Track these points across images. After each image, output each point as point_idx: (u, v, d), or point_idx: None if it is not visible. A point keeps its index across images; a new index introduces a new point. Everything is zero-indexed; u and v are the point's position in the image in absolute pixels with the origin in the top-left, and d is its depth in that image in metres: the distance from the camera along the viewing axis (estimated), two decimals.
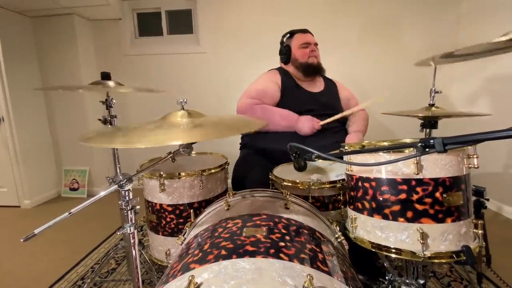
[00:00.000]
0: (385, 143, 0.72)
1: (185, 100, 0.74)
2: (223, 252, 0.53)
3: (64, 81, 2.48)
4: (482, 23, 2.11)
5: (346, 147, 0.77)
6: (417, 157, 0.62)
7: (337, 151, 0.74)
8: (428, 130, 1.02)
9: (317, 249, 0.59)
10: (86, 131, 2.55)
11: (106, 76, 1.03)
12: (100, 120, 1.07)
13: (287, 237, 0.59)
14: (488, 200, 1.34)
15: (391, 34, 2.40)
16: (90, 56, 2.61)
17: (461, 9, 2.31)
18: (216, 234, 0.63)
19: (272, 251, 0.52)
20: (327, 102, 1.44)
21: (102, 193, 0.68)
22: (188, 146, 0.79)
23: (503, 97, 1.90)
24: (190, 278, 0.44)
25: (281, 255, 0.51)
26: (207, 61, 2.63)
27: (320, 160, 1.22)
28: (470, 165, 0.66)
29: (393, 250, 0.67)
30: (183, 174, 1.06)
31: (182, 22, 2.73)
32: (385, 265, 0.82)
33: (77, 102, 2.56)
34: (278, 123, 1.31)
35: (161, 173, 1.05)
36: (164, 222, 1.09)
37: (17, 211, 2.37)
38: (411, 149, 0.62)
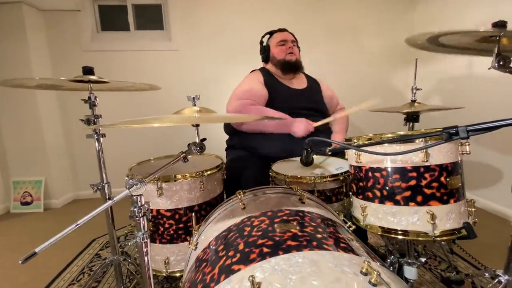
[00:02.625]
0: (389, 135, 0.77)
1: (198, 96, 0.70)
2: (265, 249, 0.52)
3: (11, 77, 2.14)
4: (434, 27, 2.39)
5: (355, 140, 0.81)
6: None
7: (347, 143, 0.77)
8: (411, 124, 1.13)
9: (346, 238, 0.61)
10: (40, 137, 2.27)
11: (89, 71, 0.92)
12: (82, 120, 0.95)
13: (320, 229, 0.60)
14: None
15: (354, 35, 2.59)
16: (42, 51, 2.30)
17: (414, 14, 2.59)
18: (246, 233, 0.61)
19: (314, 243, 0.53)
20: (311, 99, 1.49)
21: (115, 199, 0.61)
22: (201, 145, 0.75)
23: (474, 91, 2.05)
24: (251, 278, 0.42)
25: (325, 246, 0.52)
26: (180, 58, 2.52)
27: (316, 157, 1.27)
28: (463, 152, 0.75)
29: (400, 233, 0.73)
30: (181, 176, 1.00)
31: (151, 17, 2.57)
32: (389, 248, 0.88)
33: (27, 103, 2.23)
34: (272, 124, 1.32)
35: (158, 176, 0.98)
36: (162, 229, 1.01)
37: None
38: (421, 139, 0.68)
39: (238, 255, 0.54)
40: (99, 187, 1.01)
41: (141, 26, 2.58)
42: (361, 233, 1.15)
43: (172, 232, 1.02)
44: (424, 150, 0.68)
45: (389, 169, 0.74)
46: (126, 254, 1.17)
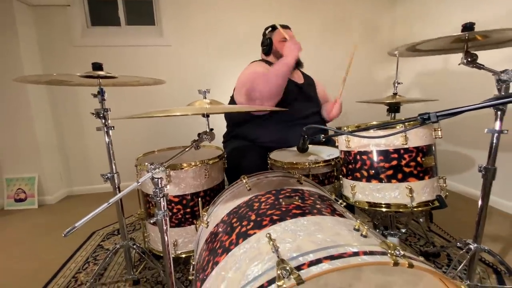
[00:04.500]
0: (374, 122, 0.89)
1: (208, 90, 0.78)
2: (275, 217, 0.62)
3: (2, 75, 2.12)
4: (414, 25, 2.55)
5: (344, 128, 0.92)
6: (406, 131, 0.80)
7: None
8: (393, 114, 1.26)
9: (340, 209, 0.72)
10: (32, 134, 2.25)
11: (98, 67, 0.98)
12: (93, 113, 1.01)
13: (318, 202, 0.71)
14: None
15: (343, 32, 2.72)
16: (32, 47, 2.27)
17: (396, 13, 2.74)
18: (255, 207, 0.71)
19: (315, 211, 0.64)
20: (309, 93, 1.59)
21: (140, 180, 0.68)
22: (211, 134, 0.83)
23: (447, 85, 2.24)
24: (268, 235, 0.52)
25: (324, 212, 0.63)
26: (172, 54, 2.55)
27: (310, 146, 1.39)
28: (436, 136, 0.88)
29: (384, 206, 0.86)
30: (187, 164, 1.08)
31: (142, 12, 2.58)
32: (374, 222, 1.01)
33: (18, 98, 2.21)
34: (277, 73, 1.31)
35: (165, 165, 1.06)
36: (170, 214, 1.10)
37: None
38: (401, 125, 0.80)
39: (252, 223, 0.64)
40: (109, 176, 1.08)
41: (132, 21, 2.58)
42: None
43: (180, 216, 1.10)
44: (404, 134, 0.81)
45: (374, 152, 0.85)
46: (133, 240, 1.24)
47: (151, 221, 0.77)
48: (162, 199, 0.75)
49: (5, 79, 2.14)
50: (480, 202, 0.98)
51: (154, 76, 2.56)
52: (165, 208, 0.76)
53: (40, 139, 2.33)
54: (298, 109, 1.42)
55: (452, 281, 0.45)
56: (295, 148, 1.36)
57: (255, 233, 0.59)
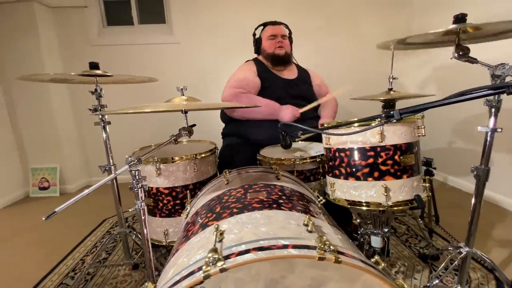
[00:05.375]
0: (355, 119, 0.88)
1: (185, 87, 0.82)
2: (235, 210, 0.65)
3: (25, 73, 2.31)
4: (433, 15, 2.41)
5: (325, 124, 0.92)
6: (382, 128, 0.79)
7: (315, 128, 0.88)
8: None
9: (307, 205, 0.73)
10: (54, 127, 2.45)
11: (95, 66, 1.05)
12: (90, 109, 1.09)
13: (284, 197, 0.73)
14: (435, 168, 1.62)
15: (352, 25, 2.63)
16: (53, 46, 2.45)
17: (413, 6, 2.60)
18: (224, 200, 0.74)
19: (274, 205, 0.65)
20: (301, 88, 1.59)
21: (117, 172, 0.74)
22: (189, 130, 0.87)
23: (444, 80, 2.25)
24: (216, 226, 0.55)
25: (282, 207, 0.64)
26: (181, 51, 2.63)
27: (301, 142, 1.39)
28: (419, 134, 0.85)
29: (364, 204, 0.85)
30: (177, 158, 1.14)
31: (153, 11, 2.68)
32: (358, 221, 1.00)
33: (41, 95, 2.40)
34: (261, 110, 1.43)
35: (156, 158, 1.12)
36: (161, 205, 1.16)
37: None
38: (378, 121, 0.78)
39: (214, 215, 0.67)
40: (107, 168, 1.16)
41: (144, 20, 2.69)
42: (346, 213, 1.25)
43: (170, 207, 1.16)
44: (380, 132, 0.79)
45: (352, 149, 0.84)
46: (133, 229, 1.34)
47: (130, 209, 0.82)
48: (140, 189, 0.80)
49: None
50: (473, 203, 0.94)
51: (164, 72, 2.68)
52: (143, 199, 0.81)
53: (61, 132, 2.53)
54: (291, 104, 1.42)
55: (388, 280, 0.46)
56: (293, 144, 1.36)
57: (212, 224, 0.62)
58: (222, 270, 0.41)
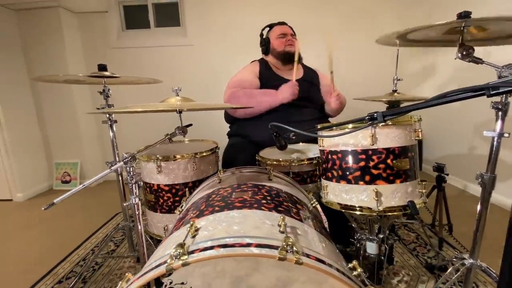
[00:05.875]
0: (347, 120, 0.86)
1: (179, 88, 0.85)
2: (217, 208, 0.66)
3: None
4: (453, 12, 2.29)
5: (318, 126, 0.91)
6: (373, 130, 0.77)
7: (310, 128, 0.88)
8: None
9: (292, 206, 0.73)
10: (76, 125, 2.62)
11: (103, 68, 1.12)
12: (98, 109, 1.16)
13: (268, 198, 0.73)
14: (448, 175, 1.54)
15: (368, 24, 2.56)
16: (77, 49, 2.62)
17: (433, 2, 2.48)
18: (211, 198, 0.76)
19: (255, 205, 0.66)
20: (305, 89, 1.56)
21: (112, 168, 0.79)
22: (183, 129, 0.90)
23: (451, 83, 2.13)
24: (192, 222, 0.56)
25: (263, 207, 0.65)
26: (194, 53, 2.70)
27: (301, 144, 1.38)
28: (415, 138, 0.81)
29: (358, 209, 0.83)
30: (178, 156, 1.17)
31: (169, 15, 2.77)
32: (353, 225, 0.97)
33: (65, 95, 2.58)
34: (261, 99, 1.40)
35: (158, 156, 1.16)
36: (161, 201, 1.21)
37: (10, 204, 2.41)
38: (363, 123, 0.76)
39: (198, 212, 0.69)
40: (113, 164, 1.22)
41: (161, 23, 2.79)
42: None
43: (170, 203, 1.21)
44: (371, 135, 0.77)
45: (343, 152, 0.83)
46: None
47: (125, 204, 0.87)
48: (134, 185, 0.84)
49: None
50: (478, 211, 0.88)
51: (178, 73, 2.76)
52: (137, 194, 0.85)
53: (82, 130, 2.69)
54: (293, 106, 1.42)
55: (350, 283, 0.45)
56: (289, 146, 1.36)
57: (194, 221, 0.64)
58: (184, 264, 0.43)
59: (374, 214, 0.78)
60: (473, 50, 0.83)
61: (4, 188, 2.47)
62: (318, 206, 0.93)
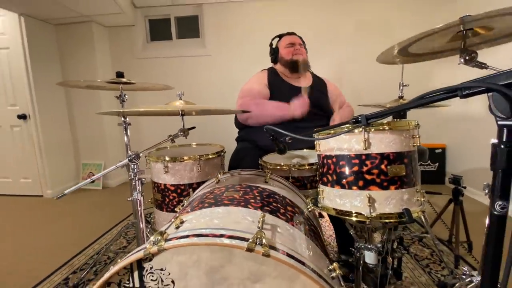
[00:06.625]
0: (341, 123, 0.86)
1: (182, 93, 0.91)
2: (206, 205, 0.70)
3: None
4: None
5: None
6: (366, 135, 0.76)
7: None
8: (397, 120, 1.15)
9: (282, 207, 0.74)
10: (101, 129, 2.83)
11: (120, 75, 1.22)
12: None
13: (258, 198, 0.75)
14: (465, 188, 1.45)
15: (384, 34, 2.52)
16: (106, 59, 2.86)
17: (457, 6, 2.39)
18: (205, 196, 0.80)
19: (242, 203, 0.68)
20: (313, 97, 1.58)
21: (117, 165, 0.86)
22: (185, 131, 0.96)
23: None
24: (177, 215, 0.60)
25: (249, 206, 0.67)
26: (212, 63, 2.82)
27: (305, 150, 1.38)
28: (413, 144, 0.80)
29: (354, 215, 0.82)
30: (185, 158, 1.23)
31: (189, 27, 2.94)
32: (351, 233, 0.95)
33: (94, 101, 2.80)
34: (272, 113, 1.44)
35: (165, 157, 1.23)
36: (167, 200, 1.26)
37: (40, 200, 2.63)
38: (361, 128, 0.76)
39: (189, 209, 0.73)
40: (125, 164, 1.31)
41: (182, 35, 2.97)
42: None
43: (175, 203, 1.26)
44: (364, 139, 0.77)
45: (337, 156, 0.83)
46: (147, 221, 1.47)
47: (128, 199, 0.93)
48: (137, 182, 0.90)
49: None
50: (487, 224, 0.83)
51: (197, 82, 2.89)
52: (140, 190, 0.91)
53: (107, 133, 2.90)
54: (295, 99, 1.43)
55: (322, 283, 0.45)
56: (292, 152, 1.38)
57: (181, 214, 0.68)
58: (160, 250, 0.46)
59: (367, 220, 0.77)
60: (477, 54, 0.81)
61: (36, 185, 2.71)
62: (316, 212, 0.93)
